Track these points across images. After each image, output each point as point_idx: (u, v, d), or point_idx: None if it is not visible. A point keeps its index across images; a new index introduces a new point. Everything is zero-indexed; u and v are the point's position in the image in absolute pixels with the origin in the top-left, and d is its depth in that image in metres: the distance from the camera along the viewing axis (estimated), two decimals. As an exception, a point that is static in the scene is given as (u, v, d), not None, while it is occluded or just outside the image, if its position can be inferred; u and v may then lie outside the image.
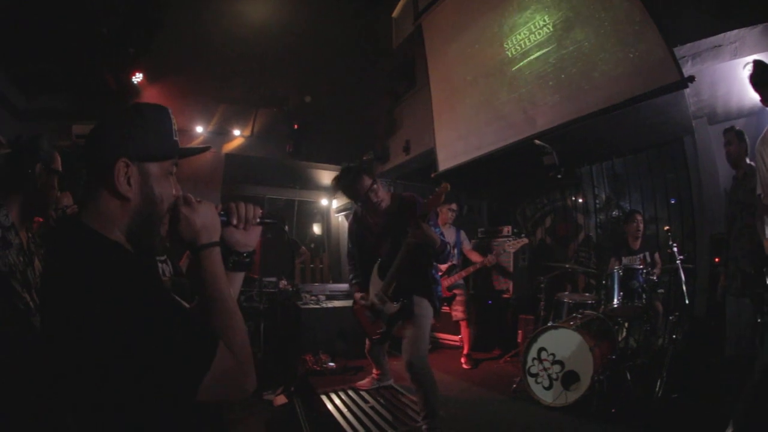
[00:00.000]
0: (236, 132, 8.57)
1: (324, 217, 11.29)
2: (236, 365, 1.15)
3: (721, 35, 4.22)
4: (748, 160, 4.16)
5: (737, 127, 4.36)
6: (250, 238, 1.51)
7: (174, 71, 7.73)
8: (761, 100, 3.61)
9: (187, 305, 1.50)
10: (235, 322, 1.24)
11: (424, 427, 3.76)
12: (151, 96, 7.51)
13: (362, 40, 9.80)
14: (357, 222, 4.30)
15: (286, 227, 6.45)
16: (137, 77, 7.24)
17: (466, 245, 6.77)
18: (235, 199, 1.50)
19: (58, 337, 1.09)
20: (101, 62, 6.60)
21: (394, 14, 9.48)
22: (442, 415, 3.88)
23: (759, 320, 3.82)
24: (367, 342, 5.02)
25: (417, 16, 8.10)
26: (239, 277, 1.53)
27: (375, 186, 3.90)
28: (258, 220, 1.51)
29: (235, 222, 1.45)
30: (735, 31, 4.15)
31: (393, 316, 3.86)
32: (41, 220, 2.37)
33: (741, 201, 4.07)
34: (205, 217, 1.33)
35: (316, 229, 11.30)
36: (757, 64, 3.60)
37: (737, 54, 4.31)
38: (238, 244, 1.48)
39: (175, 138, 1.35)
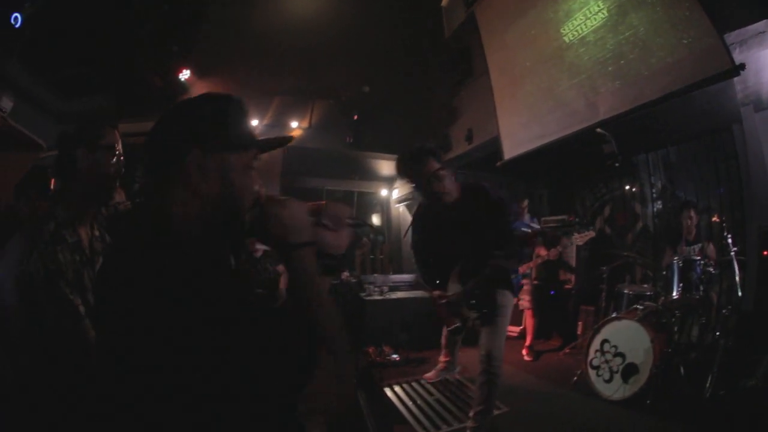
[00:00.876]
0: (293, 124, 8.54)
1: (384, 208, 11.30)
2: (338, 370, 1.14)
3: (765, 22, 4.19)
4: None
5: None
6: (341, 240, 1.36)
7: (224, 66, 7.75)
8: None
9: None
10: (335, 327, 1.18)
11: (470, 423, 3.61)
12: (202, 91, 7.50)
13: (416, 30, 9.78)
14: (425, 213, 3.88)
15: (372, 225, 6.31)
16: (185, 74, 7.24)
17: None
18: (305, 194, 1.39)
19: (130, 344, 0.99)
20: (144, 62, 6.61)
21: (443, 3, 9.38)
22: (495, 414, 3.85)
23: None
24: (444, 329, 5.02)
25: (468, 4, 8.04)
26: (326, 282, 1.33)
27: (441, 173, 3.49)
28: (349, 221, 1.40)
29: (325, 222, 1.34)
30: None
31: (470, 318, 3.70)
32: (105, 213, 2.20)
33: None
34: (296, 216, 1.22)
35: (376, 219, 11.29)
36: None
37: None
38: (329, 246, 1.32)
39: (252, 130, 1.28)
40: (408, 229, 4.09)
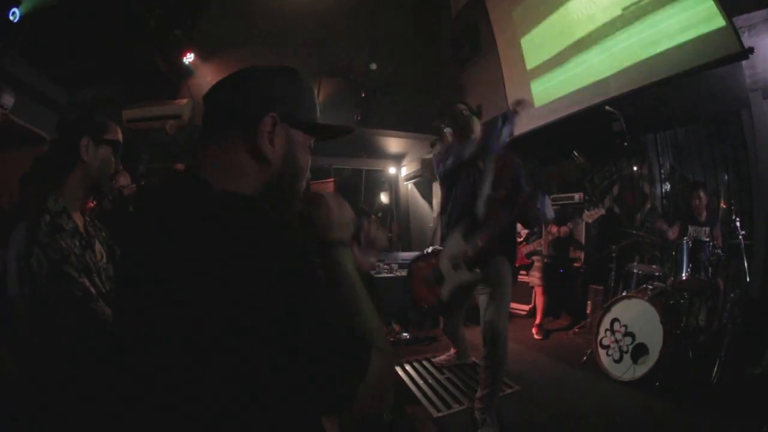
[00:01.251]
0: None
1: (392, 186, 11.35)
2: (388, 371, 1.04)
3: None
4: None
5: None
6: (365, 260, 1.40)
7: (229, 46, 7.68)
8: None
9: None
10: (379, 325, 1.10)
11: (477, 404, 3.58)
12: (207, 73, 7.56)
13: (423, 6, 9.71)
14: (449, 155, 3.78)
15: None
16: (189, 57, 7.23)
17: (549, 213, 6.69)
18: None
19: (175, 313, 0.90)
20: (148, 48, 6.59)
21: (450, -20, 9.31)
22: (505, 393, 4.02)
23: None
24: (441, 319, 5.08)
25: (476, -20, 7.92)
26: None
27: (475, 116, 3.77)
28: (381, 248, 1.43)
29: (362, 237, 1.37)
30: None
31: (460, 286, 3.58)
32: (92, 205, 2.20)
33: None
34: (344, 216, 1.21)
35: (384, 198, 11.33)
36: None
37: None
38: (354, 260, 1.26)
39: (318, 113, 1.24)
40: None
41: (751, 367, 4.31)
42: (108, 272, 1.98)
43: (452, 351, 5.22)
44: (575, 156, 5.33)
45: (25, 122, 5.81)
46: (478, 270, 3.51)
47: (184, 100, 7.26)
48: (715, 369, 4.20)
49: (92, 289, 1.79)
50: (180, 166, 3.96)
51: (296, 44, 8.21)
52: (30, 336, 1.73)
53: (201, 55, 7.48)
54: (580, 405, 4.14)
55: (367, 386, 0.91)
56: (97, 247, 2.00)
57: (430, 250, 4.24)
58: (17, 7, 4.75)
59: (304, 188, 1.23)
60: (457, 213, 3.70)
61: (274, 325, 0.84)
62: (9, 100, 5.40)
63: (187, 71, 7.43)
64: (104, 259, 2.01)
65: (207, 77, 7.59)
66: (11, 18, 4.75)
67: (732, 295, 4.73)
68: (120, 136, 2.07)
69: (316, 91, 1.25)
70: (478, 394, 3.63)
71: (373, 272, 7.06)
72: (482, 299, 3.63)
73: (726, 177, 5.89)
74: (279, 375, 0.86)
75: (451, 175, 3.76)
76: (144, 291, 0.98)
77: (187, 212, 0.97)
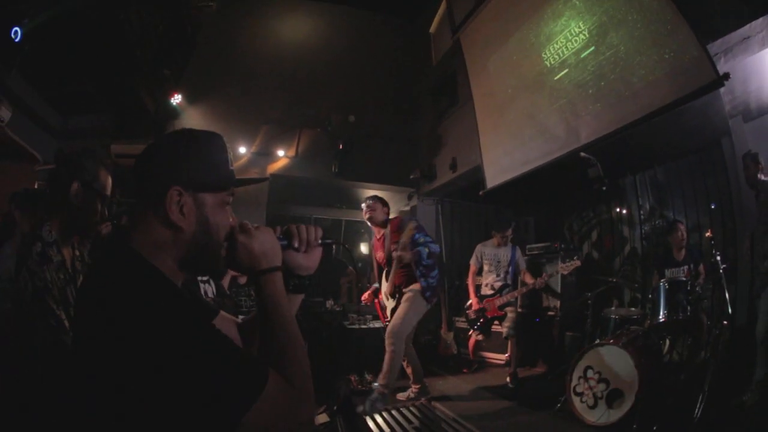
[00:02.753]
0: (280, 152, 8.58)
1: (371, 237, 11.25)
2: (291, 394, 1.09)
3: (748, 26, 4.21)
4: (762, 177, 4.51)
5: (752, 150, 4.65)
6: (311, 261, 1.47)
7: (214, 92, 7.89)
8: None
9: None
10: (296, 348, 1.19)
11: (376, 384, 5.01)
12: (192, 117, 7.69)
13: (403, 58, 9.92)
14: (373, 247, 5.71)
15: (346, 246, 6.50)
16: (176, 98, 7.36)
17: (521, 264, 6.67)
18: (292, 222, 1.48)
19: (89, 359, 1.05)
20: (138, 84, 6.69)
21: (432, 30, 9.51)
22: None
23: None
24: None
25: (454, 30, 8.10)
26: (298, 299, 1.48)
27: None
28: (320, 241, 1.47)
29: (296, 245, 1.41)
30: (761, 19, 4.13)
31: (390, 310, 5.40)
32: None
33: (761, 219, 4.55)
34: (264, 243, 1.29)
35: (364, 248, 11.27)
36: None
37: (765, 43, 4.28)
38: (300, 267, 1.44)
39: (231, 167, 1.32)
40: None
41: (740, 396, 4.31)
42: None
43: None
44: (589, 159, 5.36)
45: (19, 139, 5.99)
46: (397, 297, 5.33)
47: None
48: (698, 404, 4.04)
49: (66, 322, 1.86)
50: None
51: (278, 93, 8.41)
52: (12, 350, 1.82)
53: (187, 98, 7.62)
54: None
55: (263, 409, 1.00)
56: (80, 282, 2.04)
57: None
58: (19, 26, 4.84)
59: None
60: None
61: (160, 376, 0.95)
62: (6, 113, 5.54)
63: (174, 112, 7.56)
64: None
65: (192, 119, 7.72)
66: (12, 36, 4.83)
67: (715, 329, 4.64)
68: (108, 189, 2.16)
69: (223, 143, 1.31)
70: (378, 380, 5.10)
71: (346, 323, 7.03)
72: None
73: (711, 207, 5.96)
74: (177, 414, 0.97)
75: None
76: (75, 330, 1.22)
77: (102, 278, 1.14)
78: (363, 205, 5.50)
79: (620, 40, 5.03)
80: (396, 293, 5.34)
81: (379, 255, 5.51)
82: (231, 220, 1.31)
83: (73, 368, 1.14)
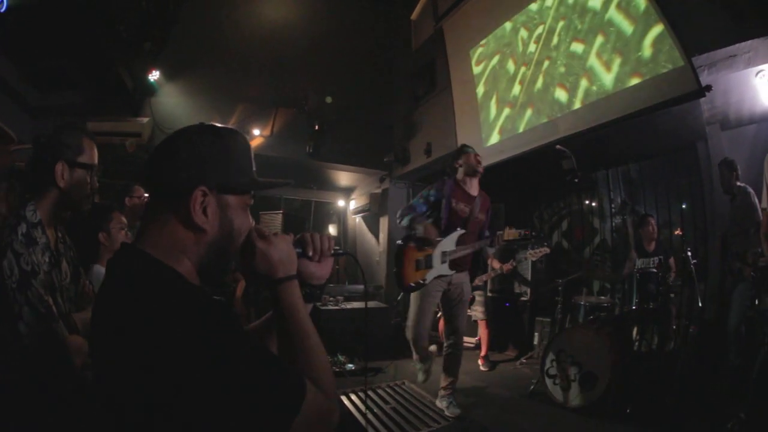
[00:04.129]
0: (256, 132, 8.44)
1: (340, 218, 11.40)
2: (325, 402, 1.08)
3: (735, 46, 4.26)
4: (738, 183, 4.80)
5: (729, 157, 4.92)
6: (324, 270, 1.43)
7: (191, 69, 7.71)
8: None
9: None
10: (320, 356, 1.17)
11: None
12: (168, 94, 7.55)
13: (382, 42, 9.89)
14: (451, 192, 4.54)
15: (356, 258, 6.35)
16: (154, 75, 7.22)
17: (489, 250, 6.79)
18: (307, 231, 1.43)
19: (116, 377, 0.99)
20: (118, 59, 6.56)
21: (413, 17, 9.48)
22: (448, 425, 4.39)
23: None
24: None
25: (438, 19, 8.14)
26: (309, 308, 1.36)
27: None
28: (332, 251, 1.44)
29: (310, 254, 1.38)
30: (749, 42, 4.19)
31: (440, 277, 4.42)
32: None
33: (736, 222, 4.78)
34: (282, 251, 1.26)
35: (332, 230, 11.32)
36: None
37: (750, 63, 4.39)
38: (312, 276, 1.40)
39: (254, 169, 1.27)
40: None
41: (712, 383, 4.55)
42: (70, 293, 1.99)
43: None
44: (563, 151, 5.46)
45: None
46: (456, 270, 4.45)
47: (145, 119, 7.18)
48: (670, 390, 4.30)
49: (54, 308, 1.78)
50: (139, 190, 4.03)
51: (256, 72, 8.29)
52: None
53: (165, 74, 7.44)
54: (530, 429, 4.18)
55: (305, 419, 0.99)
56: (64, 265, 1.99)
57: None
58: (4, -1, 4.68)
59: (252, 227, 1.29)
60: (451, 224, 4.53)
61: (198, 394, 0.91)
62: None
63: (151, 89, 7.38)
64: (68, 279, 1.99)
65: (169, 97, 7.59)
66: (-3, 9, 4.66)
67: (685, 320, 4.87)
68: (95, 157, 2.06)
69: (247, 143, 1.29)
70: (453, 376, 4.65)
71: (319, 304, 7.02)
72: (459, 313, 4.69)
73: (683, 206, 6.12)
74: (217, 426, 0.92)
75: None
76: (94, 351, 1.13)
77: (124, 295, 1.04)
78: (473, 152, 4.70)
79: (609, 42, 5.12)
80: (456, 268, 4.48)
81: (463, 208, 4.53)
82: (251, 224, 1.28)
83: (101, 388, 1.06)
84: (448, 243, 4.40)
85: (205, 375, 0.92)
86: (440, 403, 4.63)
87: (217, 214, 1.16)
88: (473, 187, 4.59)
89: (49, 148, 1.94)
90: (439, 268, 4.37)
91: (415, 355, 4.68)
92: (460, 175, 4.59)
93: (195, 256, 1.16)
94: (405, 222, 4.52)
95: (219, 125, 1.25)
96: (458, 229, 4.41)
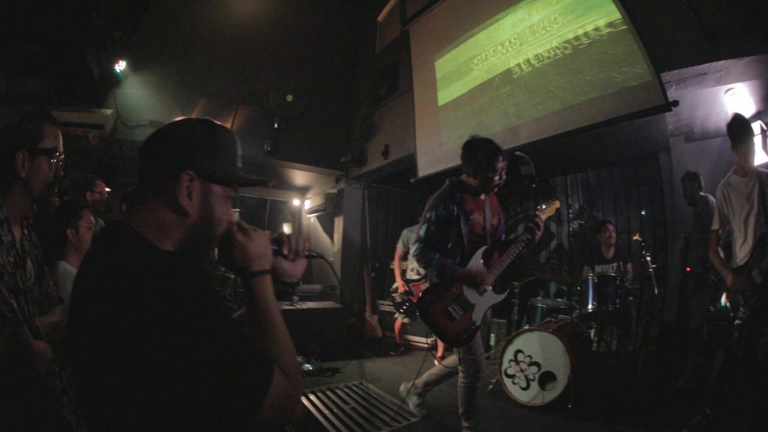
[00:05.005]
0: None
1: (295, 218, 11.31)
2: (291, 390, 1.12)
3: (707, 65, 4.32)
4: (701, 193, 5.04)
5: (691, 170, 5.15)
6: (297, 269, 1.48)
7: (157, 61, 7.58)
8: (731, 146, 3.92)
9: None
10: (288, 349, 1.21)
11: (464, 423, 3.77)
12: (133, 85, 7.39)
13: (347, 43, 9.92)
14: (461, 202, 3.71)
15: (330, 261, 6.24)
16: (120, 65, 7.07)
17: None
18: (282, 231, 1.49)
19: (101, 347, 1.02)
20: (87, 46, 6.40)
21: (380, 18, 9.50)
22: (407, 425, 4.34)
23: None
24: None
25: (405, 22, 8.16)
26: (280, 305, 1.38)
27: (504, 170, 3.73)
28: (306, 252, 1.50)
29: (286, 252, 1.44)
30: (721, 62, 4.25)
31: (490, 309, 3.71)
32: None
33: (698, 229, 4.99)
34: (259, 246, 1.31)
35: (287, 229, 11.15)
36: (737, 117, 3.94)
37: (721, 81, 4.50)
38: (285, 274, 1.45)
39: (239, 164, 1.35)
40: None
41: (673, 382, 4.75)
42: (34, 294, 1.91)
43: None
44: (523, 157, 5.51)
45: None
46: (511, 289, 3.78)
47: (109, 111, 7.05)
48: (631, 388, 4.49)
49: (18, 311, 1.72)
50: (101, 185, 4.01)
51: (220, 67, 8.22)
52: None
53: (131, 65, 7.30)
54: (491, 428, 4.22)
55: (271, 402, 1.04)
56: (29, 265, 1.93)
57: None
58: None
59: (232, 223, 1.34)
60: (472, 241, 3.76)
61: (180, 359, 0.97)
62: None
63: (117, 80, 7.23)
64: (32, 279, 1.93)
65: (133, 89, 7.44)
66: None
67: (644, 322, 5.05)
68: (58, 141, 2.00)
69: (236, 141, 1.36)
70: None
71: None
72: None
73: (642, 213, 6.33)
74: (191, 398, 0.99)
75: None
76: (77, 326, 1.13)
77: (113, 262, 1.08)
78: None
79: (579, 55, 5.17)
80: (502, 286, 3.81)
81: (478, 220, 3.78)
82: (232, 217, 1.33)
83: (81, 356, 1.10)
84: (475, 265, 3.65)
85: (185, 342, 0.98)
86: (410, 399, 4.49)
87: (201, 199, 1.22)
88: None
89: (10, 138, 1.88)
90: (485, 298, 3.62)
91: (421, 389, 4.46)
92: (473, 180, 3.77)
93: (176, 238, 1.21)
94: (432, 270, 3.70)
95: (215, 121, 1.31)
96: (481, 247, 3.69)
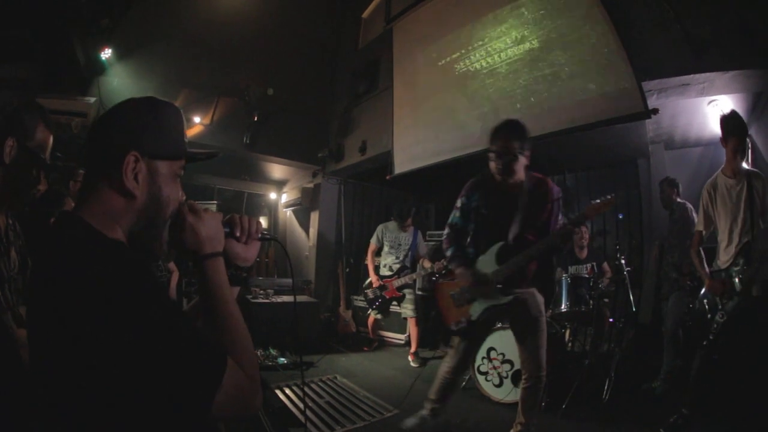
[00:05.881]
0: (196, 119, 8.21)
1: (271, 211, 11.32)
2: (246, 380, 1.10)
3: (691, 76, 4.32)
4: (678, 200, 5.12)
5: (670, 176, 5.23)
6: (250, 253, 1.45)
7: (142, 51, 7.50)
8: (721, 139, 3.90)
9: None
10: (242, 335, 1.19)
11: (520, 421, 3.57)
12: (117, 74, 7.29)
13: (329, 38, 9.94)
14: (486, 191, 3.56)
15: (282, 244, 6.19)
16: (106, 53, 6.99)
17: (421, 249, 6.89)
18: (235, 212, 1.46)
19: (51, 341, 1.02)
20: (74, 33, 6.37)
21: (365, 15, 9.51)
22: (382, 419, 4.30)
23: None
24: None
25: (389, 19, 8.18)
26: (235, 291, 1.41)
27: (527, 153, 3.43)
28: (260, 234, 1.46)
29: (237, 234, 1.40)
30: (705, 74, 4.24)
31: (493, 309, 3.49)
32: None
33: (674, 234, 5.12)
34: (210, 228, 1.28)
35: (263, 222, 11.15)
36: (735, 112, 3.97)
37: (704, 93, 4.56)
38: (238, 257, 1.41)
39: (185, 140, 1.32)
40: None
41: (648, 382, 4.89)
42: (17, 284, 1.87)
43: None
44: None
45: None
46: (515, 295, 3.43)
47: (92, 99, 6.92)
48: (606, 387, 4.54)
49: (2, 300, 1.71)
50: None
51: (204, 58, 8.17)
52: None
53: (116, 53, 7.20)
54: (464, 424, 4.27)
55: (226, 395, 1.03)
56: (13, 255, 1.89)
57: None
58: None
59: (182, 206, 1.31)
60: (490, 234, 3.55)
61: (127, 356, 0.95)
62: None
63: (102, 67, 7.12)
64: (16, 269, 1.89)
65: (117, 77, 7.33)
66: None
67: (618, 323, 5.17)
68: (46, 148, 1.90)
69: (181, 116, 1.33)
70: (524, 418, 3.57)
71: (249, 297, 6.97)
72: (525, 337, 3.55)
73: (619, 216, 6.44)
74: (142, 394, 0.98)
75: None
76: (31, 324, 1.14)
77: (58, 258, 1.08)
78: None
79: (564, 59, 5.20)
80: (512, 290, 3.45)
81: (501, 213, 3.50)
82: (181, 195, 1.31)
83: (36, 353, 1.10)
84: (487, 262, 3.48)
85: (130, 338, 0.96)
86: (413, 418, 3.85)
87: (147, 180, 1.20)
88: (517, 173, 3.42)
89: (5, 120, 1.78)
90: (491, 298, 3.47)
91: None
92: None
93: (126, 224, 1.19)
94: (449, 255, 3.67)
95: (158, 98, 1.29)
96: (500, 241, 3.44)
